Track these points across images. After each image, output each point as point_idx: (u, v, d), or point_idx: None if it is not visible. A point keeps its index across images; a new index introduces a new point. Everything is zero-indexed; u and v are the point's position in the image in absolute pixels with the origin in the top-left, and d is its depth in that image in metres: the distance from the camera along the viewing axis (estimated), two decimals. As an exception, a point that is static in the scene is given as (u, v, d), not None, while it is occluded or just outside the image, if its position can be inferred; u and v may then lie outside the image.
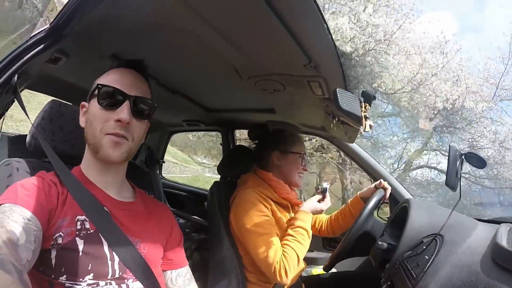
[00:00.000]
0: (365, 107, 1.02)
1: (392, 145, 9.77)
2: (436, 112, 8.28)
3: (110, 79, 0.90)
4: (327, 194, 1.49)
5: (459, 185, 0.84)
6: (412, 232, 1.10)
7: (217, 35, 0.90)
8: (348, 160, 9.26)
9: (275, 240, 1.29)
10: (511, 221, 1.00)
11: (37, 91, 1.80)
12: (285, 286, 1.40)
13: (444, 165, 9.56)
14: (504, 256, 0.65)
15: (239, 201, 1.39)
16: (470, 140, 8.37)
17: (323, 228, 1.66)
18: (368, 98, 1.04)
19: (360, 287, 1.53)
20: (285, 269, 1.24)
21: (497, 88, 8.52)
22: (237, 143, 2.45)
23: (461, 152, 0.87)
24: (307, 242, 1.34)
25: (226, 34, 0.90)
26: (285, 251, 1.27)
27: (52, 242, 0.77)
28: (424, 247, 0.97)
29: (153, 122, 2.48)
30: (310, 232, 1.37)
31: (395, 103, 8.90)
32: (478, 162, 0.87)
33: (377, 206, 1.34)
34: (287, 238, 1.33)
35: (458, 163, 0.85)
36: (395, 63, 7.87)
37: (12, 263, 0.48)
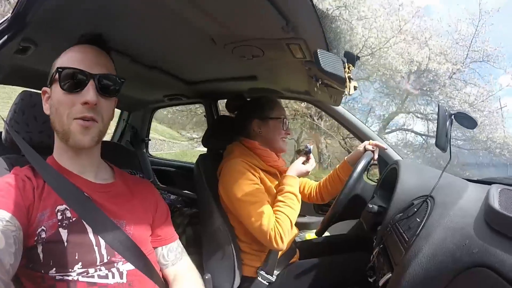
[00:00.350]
0: (348, 68, 0.97)
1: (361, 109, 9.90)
2: (402, 76, 8.29)
3: (70, 59, 0.84)
4: (311, 155, 1.48)
5: (449, 146, 0.81)
6: (402, 194, 1.09)
7: (187, 3, 0.84)
8: (322, 124, 9.34)
9: (267, 207, 1.28)
10: (501, 182, 0.98)
11: (10, 85, 1.73)
12: (280, 252, 1.41)
13: (417, 128, 9.70)
14: (498, 219, 0.64)
15: (227, 172, 1.37)
16: (441, 102, 8.41)
17: (312, 195, 1.66)
18: (351, 58, 0.99)
19: (353, 250, 1.55)
20: (280, 235, 1.24)
21: (468, 50, 8.44)
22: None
23: (451, 112, 0.83)
24: (297, 206, 1.35)
25: (196, 1, 0.83)
26: (277, 217, 1.27)
27: (36, 238, 0.76)
28: (415, 210, 0.96)
29: (134, 100, 2.44)
30: (299, 196, 1.38)
31: (358, 67, 8.91)
32: (468, 122, 0.84)
33: (365, 169, 1.32)
34: (277, 204, 1.32)
35: (447, 123, 0.82)
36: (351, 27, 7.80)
37: None
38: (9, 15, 0.86)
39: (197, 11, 0.88)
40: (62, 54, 0.87)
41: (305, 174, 1.45)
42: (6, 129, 0.95)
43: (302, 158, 1.47)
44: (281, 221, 1.26)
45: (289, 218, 1.28)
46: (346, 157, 1.54)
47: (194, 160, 1.78)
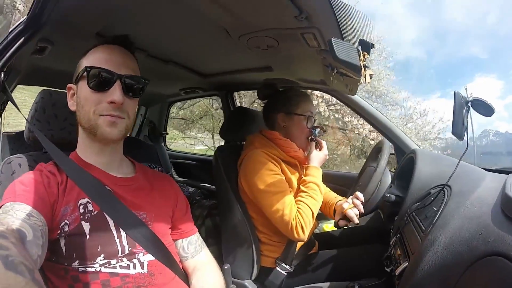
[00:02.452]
0: (363, 56, 0.96)
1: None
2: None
3: (98, 59, 0.86)
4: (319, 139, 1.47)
5: (466, 134, 0.79)
6: (419, 183, 1.08)
7: None
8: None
9: (289, 197, 1.28)
10: None
11: (29, 85, 1.80)
12: (299, 244, 1.41)
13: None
14: (515, 208, 0.62)
15: (248, 163, 1.37)
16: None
17: None
18: (366, 46, 0.97)
19: (371, 241, 1.53)
20: (302, 225, 1.24)
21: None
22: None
23: (467, 99, 0.81)
24: (319, 197, 1.34)
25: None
26: (299, 208, 1.27)
27: (59, 231, 0.78)
28: (432, 199, 0.95)
29: (151, 95, 2.48)
30: (322, 187, 1.37)
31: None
32: (485, 109, 0.81)
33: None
34: (300, 194, 1.32)
35: (464, 110, 0.80)
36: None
37: (23, 263, 0.47)
38: (25, 17, 0.88)
39: (210, 2, 0.88)
40: (89, 53, 0.89)
41: (325, 160, 1.44)
42: (28, 128, 0.98)
43: (313, 144, 1.45)
44: (302, 212, 1.26)
45: (311, 209, 1.28)
46: (337, 201, 1.47)
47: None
